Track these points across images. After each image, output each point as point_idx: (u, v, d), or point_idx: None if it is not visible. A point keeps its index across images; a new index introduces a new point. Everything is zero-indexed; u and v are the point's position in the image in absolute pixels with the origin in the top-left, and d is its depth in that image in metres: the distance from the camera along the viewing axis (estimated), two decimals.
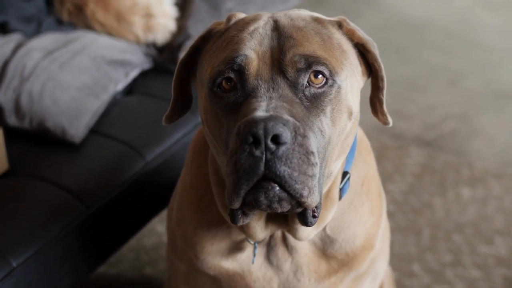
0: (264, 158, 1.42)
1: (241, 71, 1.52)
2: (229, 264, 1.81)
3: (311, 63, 1.51)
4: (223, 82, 1.53)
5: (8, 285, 2.04)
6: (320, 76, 1.52)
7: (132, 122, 2.52)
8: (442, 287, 2.84)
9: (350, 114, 1.57)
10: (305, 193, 1.46)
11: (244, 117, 1.45)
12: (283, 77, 1.51)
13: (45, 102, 2.44)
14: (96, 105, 2.48)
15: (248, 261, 1.80)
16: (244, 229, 1.71)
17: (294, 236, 1.71)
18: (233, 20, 1.65)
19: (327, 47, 1.56)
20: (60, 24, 2.87)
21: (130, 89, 2.70)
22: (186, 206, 1.85)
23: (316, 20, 1.61)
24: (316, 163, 1.47)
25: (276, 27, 1.57)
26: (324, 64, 1.52)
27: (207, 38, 1.67)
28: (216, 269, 1.82)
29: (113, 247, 2.40)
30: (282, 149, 1.42)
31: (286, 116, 1.44)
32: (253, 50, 1.53)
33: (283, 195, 1.46)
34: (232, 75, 1.52)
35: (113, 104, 2.58)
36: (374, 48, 1.65)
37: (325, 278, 1.82)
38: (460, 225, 3.14)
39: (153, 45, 2.87)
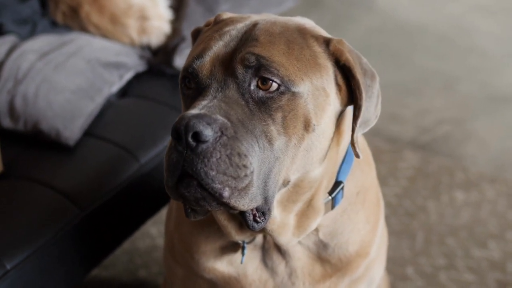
0: (184, 154, 1.45)
1: (194, 74, 1.55)
2: (225, 267, 1.81)
3: (260, 66, 1.51)
4: (186, 80, 1.59)
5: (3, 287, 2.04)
6: (270, 82, 1.51)
7: (127, 125, 2.52)
8: None
9: (308, 125, 1.54)
10: (225, 193, 1.47)
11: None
12: (233, 78, 1.52)
13: (39, 104, 2.44)
14: (90, 107, 2.48)
15: (244, 264, 1.81)
16: (221, 228, 1.72)
17: (275, 240, 1.73)
18: (218, 20, 1.68)
19: (293, 55, 1.54)
20: (54, 26, 2.87)
21: (124, 92, 2.70)
22: None
23: (300, 30, 1.59)
24: (244, 166, 1.47)
25: (251, 30, 1.57)
26: (275, 70, 1.51)
27: (198, 33, 1.74)
28: (211, 271, 1.82)
29: (107, 250, 2.40)
30: (202, 147, 1.44)
31: (216, 116, 1.46)
32: (213, 52, 1.56)
33: (204, 193, 1.47)
34: (188, 75, 1.57)
35: (108, 107, 2.57)
36: (371, 78, 1.61)
37: (320, 282, 1.82)
38: (454, 228, 3.14)
39: (147, 47, 2.87)
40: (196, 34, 1.76)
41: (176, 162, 1.47)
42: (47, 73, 2.52)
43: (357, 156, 1.63)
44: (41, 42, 2.68)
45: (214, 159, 1.44)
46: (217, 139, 1.44)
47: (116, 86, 2.63)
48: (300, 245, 1.79)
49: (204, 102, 1.50)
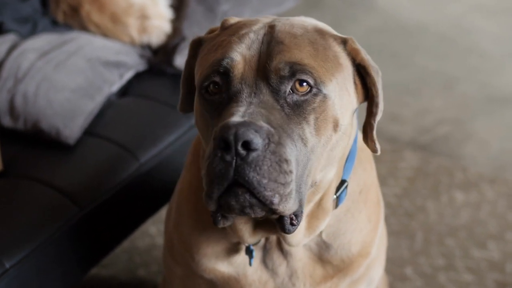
0: (234, 164, 1.43)
1: (226, 74, 1.52)
2: (225, 268, 1.81)
3: (295, 71, 1.51)
4: (211, 85, 1.55)
5: (1, 286, 2.04)
6: (304, 84, 1.52)
7: (127, 124, 2.52)
8: None
9: (336, 125, 1.56)
10: (275, 200, 1.46)
11: (222, 122, 1.46)
12: (266, 83, 1.51)
13: (39, 103, 2.44)
14: (90, 106, 2.48)
15: (244, 264, 1.80)
16: (234, 232, 1.71)
17: (285, 241, 1.72)
18: (226, 25, 1.66)
19: (319, 57, 1.55)
20: (55, 25, 2.87)
21: (124, 91, 2.70)
22: (185, 206, 1.85)
23: (318, 31, 1.60)
24: (291, 171, 1.47)
25: (270, 32, 1.57)
26: (309, 72, 1.51)
27: (199, 43, 1.70)
28: (211, 272, 1.82)
29: (107, 249, 2.40)
30: (253, 155, 1.43)
31: (261, 123, 1.45)
32: (240, 53, 1.53)
33: (254, 201, 1.46)
34: (218, 79, 1.53)
35: (108, 106, 2.57)
36: (377, 74, 1.64)
37: (320, 283, 1.82)
38: (453, 229, 3.14)
39: (148, 46, 2.87)
40: (197, 43, 1.72)
41: (224, 173, 1.44)
42: (47, 72, 2.52)
43: (375, 151, 1.67)
44: (42, 41, 2.68)
45: (265, 167, 1.44)
46: (266, 146, 1.44)
47: (116, 85, 2.63)
48: (302, 246, 1.79)
49: (241, 109, 1.48)
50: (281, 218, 1.56)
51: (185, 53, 2.69)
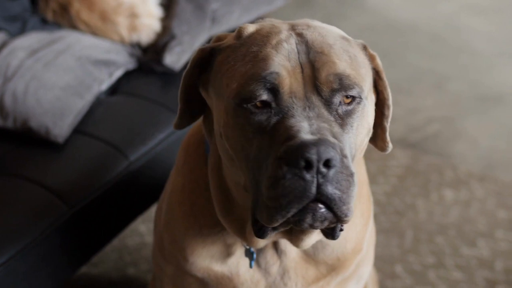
0: (315, 182, 1.43)
1: (275, 90, 1.48)
2: (218, 267, 1.81)
3: (345, 86, 1.50)
4: (251, 103, 1.49)
5: None
6: (353, 96, 1.52)
7: (116, 122, 2.52)
8: None
9: (369, 131, 1.59)
10: (349, 213, 1.48)
11: (285, 139, 1.44)
12: (317, 95, 1.49)
13: (29, 101, 2.43)
14: (80, 105, 2.48)
15: (237, 263, 1.80)
16: (247, 238, 1.70)
17: (296, 245, 1.71)
18: (246, 33, 1.59)
19: (354, 64, 1.55)
20: (44, 24, 2.86)
21: (114, 89, 2.69)
22: (177, 208, 1.83)
23: (343, 37, 1.60)
24: (356, 183, 1.48)
25: (303, 41, 1.53)
26: (355, 84, 1.51)
27: (210, 53, 1.62)
28: (205, 271, 1.82)
29: (96, 247, 2.40)
30: (332, 172, 1.43)
31: (332, 139, 1.44)
32: (283, 66, 1.49)
33: (329, 215, 1.47)
34: (265, 95, 1.48)
35: (97, 104, 2.57)
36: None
37: (312, 283, 1.82)
38: (443, 227, 3.15)
39: (137, 45, 2.86)
40: (207, 53, 1.63)
41: (305, 191, 1.43)
42: (36, 71, 2.51)
43: (385, 150, 1.72)
44: (31, 39, 2.68)
45: (344, 182, 1.45)
46: (341, 162, 1.44)
47: (105, 83, 2.63)
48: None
49: (304, 125, 1.45)
50: (335, 226, 1.57)
51: (175, 52, 2.70)
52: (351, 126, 1.52)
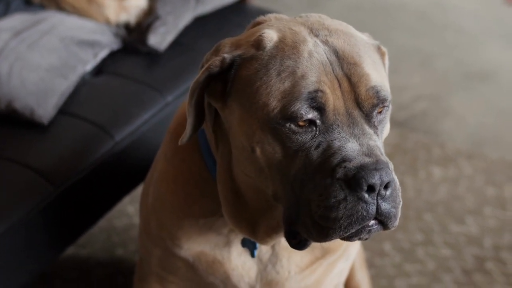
0: (376, 203, 1.45)
1: (320, 109, 1.46)
2: (211, 251, 1.81)
3: (382, 98, 1.50)
4: (295, 122, 1.47)
5: None
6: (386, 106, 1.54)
7: (101, 103, 2.50)
8: (413, 266, 2.85)
9: (387, 132, 1.60)
10: (397, 223, 1.51)
11: (341, 161, 1.43)
12: (358, 111, 1.49)
13: (13, 83, 2.41)
14: (64, 85, 2.46)
15: (228, 248, 1.80)
16: (259, 238, 1.70)
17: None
18: (269, 43, 1.52)
19: (379, 70, 1.55)
20: (29, 6, 2.84)
21: (99, 70, 2.68)
22: (169, 198, 1.81)
23: (363, 40, 1.59)
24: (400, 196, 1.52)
25: (332, 51, 1.51)
26: (388, 94, 1.52)
27: (228, 63, 1.55)
28: (196, 255, 1.82)
29: (82, 228, 2.38)
30: (390, 192, 1.46)
31: (384, 157, 1.46)
32: (323, 83, 1.46)
33: (380, 228, 1.50)
34: (311, 114, 1.46)
35: (82, 85, 2.55)
36: None
37: (306, 268, 1.83)
38: (431, 204, 3.15)
39: (123, 25, 2.85)
40: (226, 63, 1.54)
41: (366, 212, 1.44)
42: (20, 52, 2.49)
43: None
44: (15, 20, 2.66)
45: (397, 199, 1.48)
46: (395, 181, 1.47)
47: (90, 64, 2.61)
48: None
49: (353, 145, 1.45)
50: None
51: (160, 32, 2.69)
52: (382, 132, 1.54)
